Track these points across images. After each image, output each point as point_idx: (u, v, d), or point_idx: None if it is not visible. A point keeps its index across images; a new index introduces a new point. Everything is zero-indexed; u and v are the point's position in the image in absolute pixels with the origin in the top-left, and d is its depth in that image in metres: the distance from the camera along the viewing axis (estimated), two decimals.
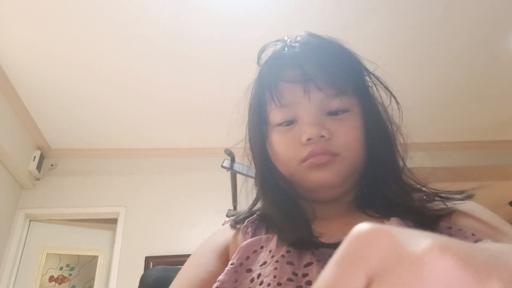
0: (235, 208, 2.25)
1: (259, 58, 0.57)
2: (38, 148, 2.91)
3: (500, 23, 2.19)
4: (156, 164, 3.11)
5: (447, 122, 3.04)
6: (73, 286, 2.84)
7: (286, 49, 0.53)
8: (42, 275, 2.76)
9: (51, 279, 2.79)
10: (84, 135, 2.94)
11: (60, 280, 2.81)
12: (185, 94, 2.61)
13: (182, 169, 3.10)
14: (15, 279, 2.62)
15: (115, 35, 2.13)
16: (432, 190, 0.51)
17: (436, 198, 0.50)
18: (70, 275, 2.85)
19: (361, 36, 2.21)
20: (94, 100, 2.60)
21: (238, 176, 2.05)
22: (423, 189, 0.52)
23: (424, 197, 0.51)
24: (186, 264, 0.53)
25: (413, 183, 0.53)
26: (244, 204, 0.63)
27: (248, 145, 0.60)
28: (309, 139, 0.48)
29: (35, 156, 2.83)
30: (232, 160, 1.97)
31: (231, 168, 1.98)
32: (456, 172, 3.29)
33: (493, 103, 2.85)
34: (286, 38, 0.56)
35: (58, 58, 2.25)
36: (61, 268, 2.85)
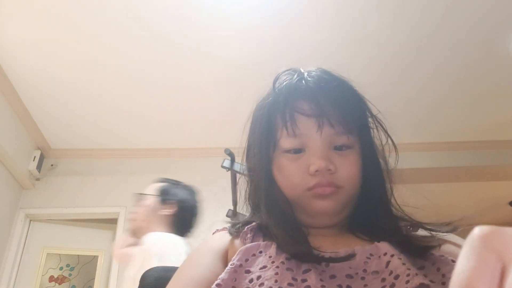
0: (235, 208, 2.25)
1: (274, 85, 0.60)
2: (38, 148, 2.91)
3: (500, 23, 2.19)
4: (156, 164, 3.11)
5: (447, 121, 3.04)
6: (73, 286, 2.84)
7: (303, 81, 0.57)
8: (42, 275, 2.76)
9: (51, 279, 2.79)
10: (84, 135, 2.94)
11: (60, 280, 2.82)
12: (185, 94, 2.61)
13: (182, 169, 3.10)
14: (15, 279, 2.62)
15: (116, 35, 2.13)
16: (416, 221, 0.56)
17: (420, 229, 0.55)
18: (70, 275, 2.85)
19: (361, 36, 2.21)
20: (94, 100, 2.60)
21: (238, 176, 2.05)
22: (408, 219, 0.57)
23: (409, 226, 0.56)
24: (184, 264, 0.54)
25: (400, 214, 0.57)
26: (244, 204, 0.63)
27: (247, 164, 0.64)
28: (317, 171, 0.52)
29: (35, 156, 2.83)
30: (232, 160, 1.97)
31: (231, 168, 1.98)
32: (456, 172, 3.30)
33: (494, 103, 2.85)
34: (302, 71, 0.60)
35: (58, 58, 2.25)
36: (61, 268, 2.85)
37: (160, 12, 2.02)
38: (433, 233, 0.53)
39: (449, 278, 0.40)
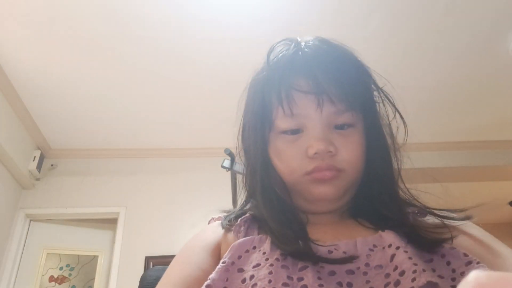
0: (235, 208, 2.24)
1: (268, 58, 0.54)
2: (38, 148, 2.91)
3: (500, 23, 2.19)
4: (156, 164, 3.11)
5: (447, 121, 3.04)
6: (73, 286, 2.84)
7: (300, 53, 0.51)
8: (42, 275, 2.76)
9: (51, 279, 2.79)
10: (84, 135, 2.94)
11: (60, 280, 2.81)
12: (185, 94, 2.61)
13: (182, 169, 3.10)
14: (15, 279, 2.62)
15: (116, 35, 2.13)
16: (426, 207, 0.52)
17: (429, 215, 0.50)
18: (70, 275, 2.85)
19: (361, 36, 2.21)
20: (94, 100, 2.60)
21: (238, 176, 2.05)
22: (416, 204, 0.52)
23: (416, 211, 0.51)
24: (174, 261, 0.51)
25: (408, 198, 0.53)
26: (241, 189, 0.61)
27: (242, 144, 0.59)
28: (315, 153, 0.48)
29: (35, 156, 2.83)
30: (232, 160, 1.97)
31: (231, 168, 1.98)
32: (456, 172, 3.30)
33: (493, 103, 2.85)
34: (299, 40, 0.54)
35: (58, 58, 2.25)
36: (61, 268, 2.85)
37: (161, 12, 2.02)
38: (445, 221, 0.48)
39: (460, 273, 0.38)
